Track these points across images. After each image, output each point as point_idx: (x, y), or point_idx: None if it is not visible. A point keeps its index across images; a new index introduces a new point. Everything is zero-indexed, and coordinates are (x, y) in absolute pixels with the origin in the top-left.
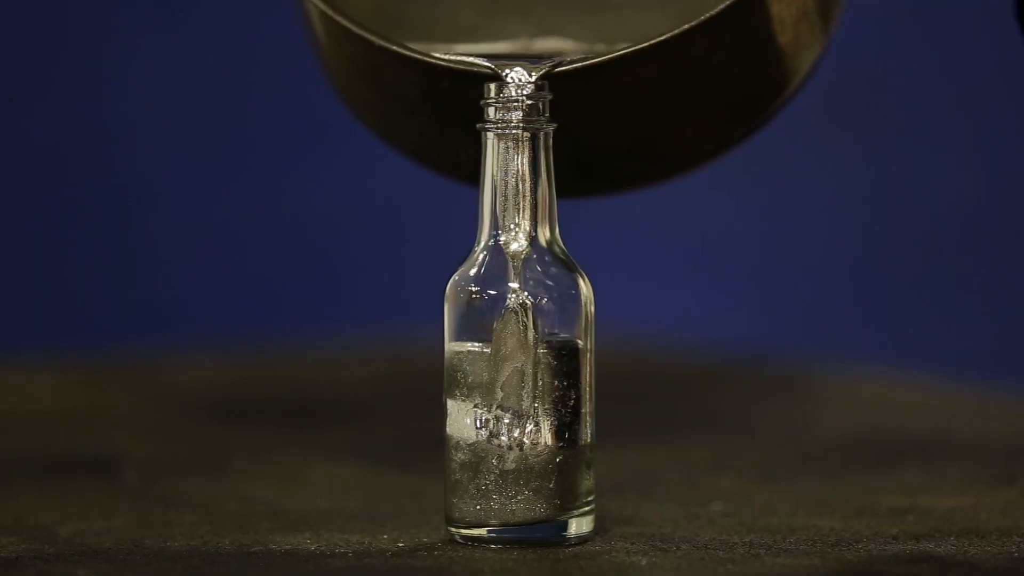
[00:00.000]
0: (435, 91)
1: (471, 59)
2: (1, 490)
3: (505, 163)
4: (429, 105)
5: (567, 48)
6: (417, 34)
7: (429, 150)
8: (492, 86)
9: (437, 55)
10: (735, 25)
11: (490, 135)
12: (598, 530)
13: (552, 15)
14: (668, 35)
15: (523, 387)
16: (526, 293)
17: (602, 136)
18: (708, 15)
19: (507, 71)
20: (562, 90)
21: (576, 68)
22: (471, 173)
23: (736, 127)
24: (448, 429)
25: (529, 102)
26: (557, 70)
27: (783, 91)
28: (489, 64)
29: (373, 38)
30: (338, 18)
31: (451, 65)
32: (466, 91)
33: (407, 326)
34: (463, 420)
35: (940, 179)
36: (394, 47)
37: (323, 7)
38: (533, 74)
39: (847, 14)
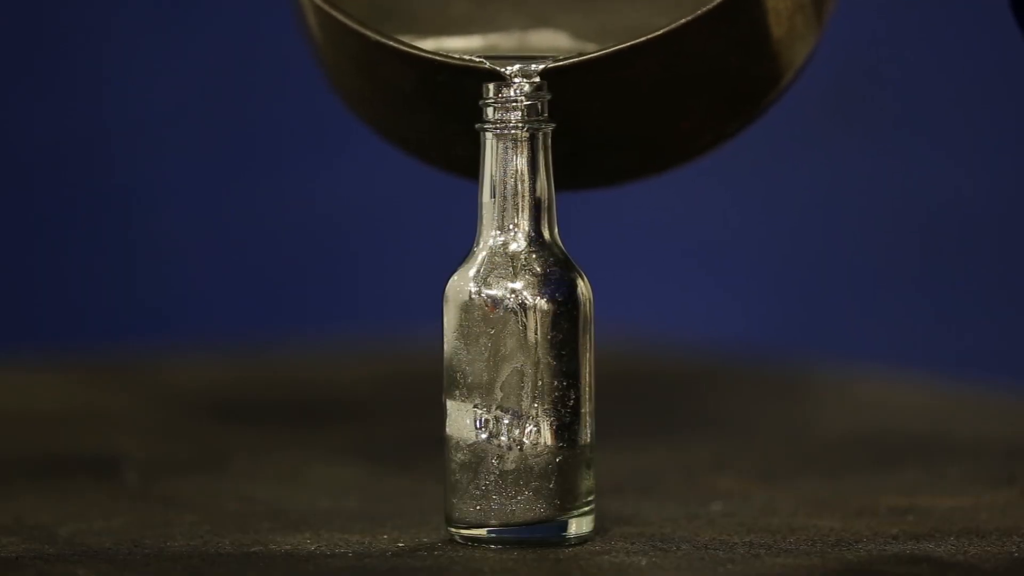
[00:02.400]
0: (431, 85)
1: (468, 56)
2: (1, 490)
3: (504, 163)
4: (425, 100)
5: (560, 40)
6: (409, 26)
7: (425, 144)
8: (491, 86)
9: (433, 51)
10: (732, 18)
11: (489, 135)
12: (598, 530)
13: (545, 7)
14: (665, 29)
15: (523, 387)
16: (526, 293)
17: (599, 131)
18: (705, 9)
19: (506, 69)
20: (558, 86)
21: (573, 64)
22: (467, 168)
23: (732, 120)
24: (448, 429)
25: (528, 102)
26: (553, 65)
27: (778, 83)
28: (486, 63)
29: (369, 33)
30: (333, 13)
31: (447, 60)
32: (462, 86)
33: (407, 326)
34: (463, 420)
35: (938, 176)
36: (390, 42)
37: (318, 1)
38: (533, 67)
39: (841, 7)
